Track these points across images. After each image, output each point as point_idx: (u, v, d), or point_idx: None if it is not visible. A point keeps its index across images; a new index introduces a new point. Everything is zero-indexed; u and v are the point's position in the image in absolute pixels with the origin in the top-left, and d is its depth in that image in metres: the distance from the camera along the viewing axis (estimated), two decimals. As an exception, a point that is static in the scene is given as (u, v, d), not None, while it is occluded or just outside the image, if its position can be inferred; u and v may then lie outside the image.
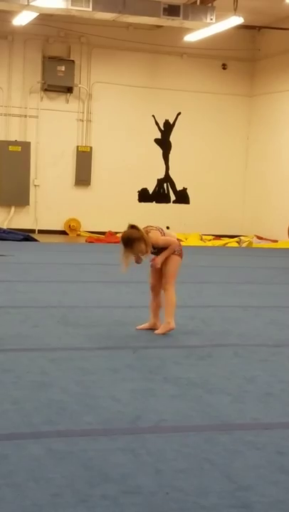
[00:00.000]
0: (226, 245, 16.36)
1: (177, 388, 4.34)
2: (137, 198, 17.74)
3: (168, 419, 3.78)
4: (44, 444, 3.32)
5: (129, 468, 3.10)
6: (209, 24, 14.14)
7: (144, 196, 17.87)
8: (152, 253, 5.98)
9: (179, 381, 4.50)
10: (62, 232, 17.37)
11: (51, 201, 17.29)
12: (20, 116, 17.14)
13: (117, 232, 16.87)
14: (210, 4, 13.95)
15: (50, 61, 16.90)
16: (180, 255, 6.07)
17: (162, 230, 6.10)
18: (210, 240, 16.86)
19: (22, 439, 3.39)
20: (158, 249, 5.99)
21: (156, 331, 6.01)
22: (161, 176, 18.22)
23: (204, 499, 2.82)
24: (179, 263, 6.08)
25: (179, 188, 18.37)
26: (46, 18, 15.53)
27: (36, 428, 3.54)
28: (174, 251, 6.01)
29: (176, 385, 4.42)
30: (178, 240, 6.19)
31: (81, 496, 2.79)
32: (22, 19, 14.81)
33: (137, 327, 6.11)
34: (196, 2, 13.93)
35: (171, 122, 18.18)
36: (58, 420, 3.68)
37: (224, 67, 18.31)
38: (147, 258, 5.99)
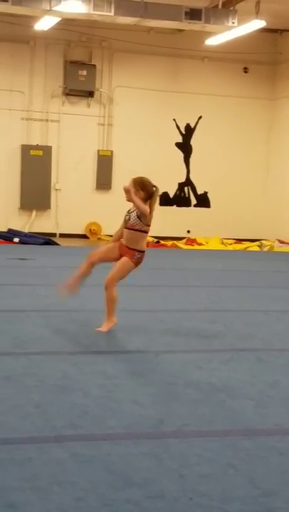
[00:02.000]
0: (247, 249, 16.29)
1: (199, 393, 4.33)
2: (157, 201, 17.71)
3: (191, 423, 3.77)
4: (67, 448, 3.33)
5: (152, 472, 3.09)
6: (231, 28, 14.11)
7: (165, 200, 17.86)
8: (130, 225, 5.89)
9: (201, 386, 4.49)
10: (83, 236, 17.41)
11: (72, 205, 17.35)
12: (41, 120, 17.22)
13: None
14: (232, 8, 13.93)
15: (71, 65, 16.98)
16: (136, 262, 5.97)
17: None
18: (231, 244, 16.80)
19: (45, 442, 3.40)
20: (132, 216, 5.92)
21: (98, 328, 5.97)
22: (182, 179, 18.21)
23: (228, 505, 2.81)
24: (130, 268, 5.98)
25: (200, 191, 18.34)
26: (68, 23, 15.60)
27: (59, 432, 3.55)
28: (133, 256, 5.92)
29: (199, 389, 4.41)
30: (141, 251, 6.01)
31: (105, 500, 2.79)
32: (44, 24, 14.89)
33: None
34: (217, 6, 13.91)
35: (192, 126, 18.16)
36: (80, 424, 3.68)
37: (246, 70, 18.27)
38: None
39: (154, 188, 5.94)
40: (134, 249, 5.96)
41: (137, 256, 5.96)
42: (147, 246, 17.46)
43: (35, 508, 2.70)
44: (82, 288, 8.66)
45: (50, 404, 3.97)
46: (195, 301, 8.08)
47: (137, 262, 6.00)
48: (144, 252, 6.04)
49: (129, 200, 5.91)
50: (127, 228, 5.99)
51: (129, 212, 6.01)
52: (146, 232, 5.99)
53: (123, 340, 5.77)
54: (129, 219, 5.97)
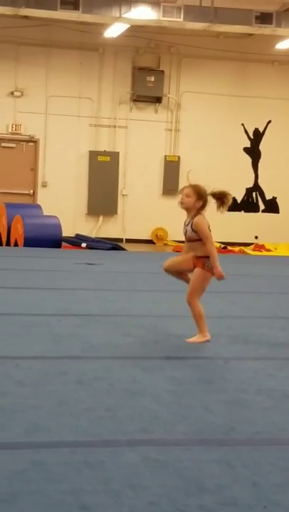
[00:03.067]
0: (316, 256, 16.02)
1: (271, 400, 4.27)
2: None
3: (263, 431, 3.72)
4: (139, 452, 3.33)
5: (225, 479, 3.06)
6: (301, 31, 13.96)
7: (232, 205, 17.69)
8: (188, 237, 5.79)
9: (272, 393, 4.42)
10: (150, 242, 17.47)
11: (139, 210, 17.44)
12: (109, 126, 17.40)
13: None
14: (302, 11, 13.78)
15: (139, 72, 17.10)
16: (210, 270, 5.72)
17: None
18: (300, 250, 16.57)
19: (117, 446, 3.41)
20: (191, 239, 5.78)
21: (187, 339, 5.80)
22: (250, 185, 18.07)
23: (303, 515, 2.76)
24: (208, 279, 5.77)
25: (268, 197, 18.16)
26: (136, 30, 15.72)
27: (131, 436, 3.56)
28: (205, 265, 5.72)
29: (270, 397, 4.35)
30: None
31: (178, 506, 2.78)
32: (113, 31, 15.06)
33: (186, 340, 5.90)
34: (288, 9, 13.79)
35: (261, 131, 18.01)
36: (151, 429, 3.68)
37: (316, 74, 18.02)
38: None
39: (207, 196, 5.80)
40: (202, 257, 5.78)
41: (208, 263, 5.75)
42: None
43: (109, 510, 2.71)
44: (150, 293, 8.70)
45: (121, 409, 3.99)
46: (264, 307, 7.99)
47: (212, 269, 5.76)
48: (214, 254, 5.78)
49: (186, 208, 5.80)
50: (187, 241, 5.91)
51: (185, 224, 5.88)
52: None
53: (192, 347, 5.74)
54: (186, 232, 5.85)
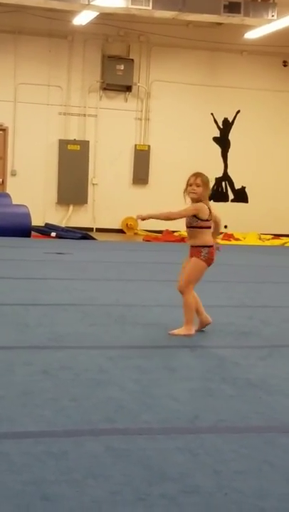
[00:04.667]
0: (285, 245, 16.15)
1: (236, 389, 4.30)
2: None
3: (226, 419, 3.75)
4: (103, 442, 3.33)
5: (187, 467, 3.08)
6: (270, 21, 14.00)
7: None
8: (188, 223, 5.77)
9: (237, 381, 4.46)
10: (120, 231, 17.45)
11: (109, 200, 17.40)
12: (79, 115, 17.30)
13: (174, 231, 16.87)
14: (271, 0, 13.79)
15: (109, 60, 17.01)
16: (206, 260, 5.73)
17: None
18: (269, 240, 16.68)
19: (81, 436, 3.41)
20: (192, 226, 5.75)
21: (170, 331, 5.75)
22: (220, 174, 18.12)
23: (263, 501, 2.79)
24: (203, 269, 5.75)
25: (237, 186, 18.24)
26: (106, 18, 15.63)
27: (95, 425, 3.56)
28: (201, 254, 5.74)
29: (235, 385, 4.38)
30: (212, 246, 5.79)
31: (140, 495, 2.79)
32: (82, 19, 14.95)
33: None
34: (256, -1, 13.82)
35: (230, 120, 18.06)
36: (116, 418, 3.68)
37: (285, 64, 18.09)
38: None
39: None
40: (199, 246, 5.75)
41: (205, 252, 5.71)
42: (183, 241, 17.34)
43: (71, 500, 2.71)
44: (119, 283, 8.71)
45: (86, 398, 3.99)
46: (232, 296, 8.04)
47: (208, 259, 5.73)
48: (211, 246, 5.77)
49: (196, 198, 5.74)
50: (186, 228, 5.85)
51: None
52: (206, 227, 5.77)
53: (159, 335, 5.76)
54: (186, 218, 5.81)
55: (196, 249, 5.77)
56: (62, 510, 2.64)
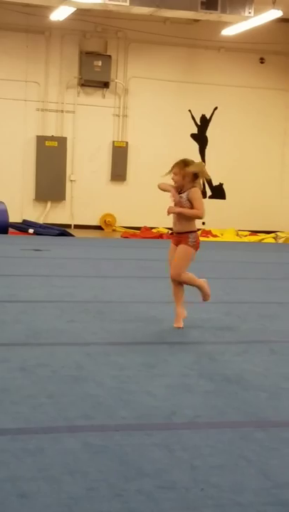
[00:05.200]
0: (263, 241, 16.24)
1: (213, 384, 4.33)
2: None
3: (203, 415, 3.76)
4: (80, 438, 3.34)
5: (164, 463, 3.09)
6: (247, 18, 14.03)
7: (180, 191, 17.84)
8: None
9: (214, 377, 4.48)
10: (98, 228, 17.42)
11: (87, 196, 17.36)
12: (56, 111, 17.22)
13: (152, 228, 16.87)
14: (248, -2, 13.84)
15: (87, 56, 16.94)
16: (194, 246, 5.82)
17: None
18: (246, 236, 16.76)
19: (58, 432, 3.41)
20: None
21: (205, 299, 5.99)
22: (197, 171, 18.14)
23: (240, 496, 2.81)
24: (191, 254, 5.84)
25: (215, 183, 18.28)
26: (83, 13, 15.57)
27: (72, 422, 3.56)
28: (188, 240, 5.80)
29: (212, 381, 4.40)
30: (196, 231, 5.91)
31: (116, 490, 2.80)
32: (59, 14, 14.88)
33: (175, 326, 5.97)
34: (234, -5, 13.84)
35: (208, 117, 18.09)
36: (93, 414, 3.69)
37: (262, 61, 18.15)
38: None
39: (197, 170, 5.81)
40: (186, 232, 5.81)
41: (192, 238, 5.80)
42: (161, 237, 17.36)
43: (48, 497, 2.71)
44: (97, 279, 8.70)
45: (63, 395, 3.98)
46: (210, 292, 8.05)
47: (195, 244, 5.82)
48: (196, 231, 5.88)
49: (178, 186, 5.81)
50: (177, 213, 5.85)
51: (179, 194, 5.86)
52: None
53: (137, 332, 5.77)
54: (179, 203, 5.81)
55: (183, 236, 5.83)
56: (39, 507, 2.64)
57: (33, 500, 2.68)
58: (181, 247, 5.82)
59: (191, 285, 5.97)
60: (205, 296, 6.08)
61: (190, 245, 5.80)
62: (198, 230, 5.85)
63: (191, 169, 5.79)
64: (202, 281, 6.02)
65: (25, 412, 3.66)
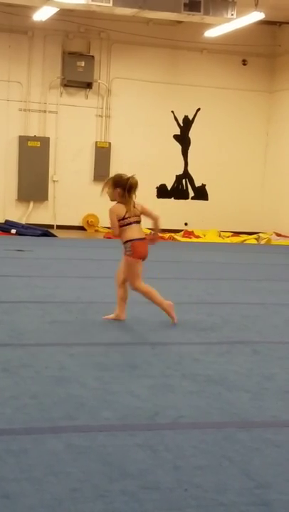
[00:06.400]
0: (245, 242, 16.30)
1: (196, 385, 4.34)
2: (155, 194, 17.73)
3: (186, 415, 3.78)
4: (63, 439, 3.33)
5: (147, 464, 3.10)
6: (230, 20, 14.08)
7: (162, 192, 17.86)
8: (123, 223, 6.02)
9: (197, 378, 4.49)
10: (81, 228, 17.40)
11: (70, 197, 17.33)
12: (39, 111, 17.18)
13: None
14: (231, 0, 13.88)
15: (69, 56, 16.92)
16: (134, 255, 5.98)
17: (134, 222, 6.01)
18: (228, 237, 16.81)
19: (41, 433, 3.40)
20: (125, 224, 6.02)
21: (172, 319, 6.09)
22: (180, 172, 18.19)
23: (223, 496, 2.82)
24: (133, 264, 6.01)
25: (197, 184, 18.33)
26: (66, 14, 15.54)
27: (55, 423, 3.56)
28: (126, 250, 6.02)
29: (195, 381, 4.41)
30: (137, 240, 6.01)
31: (100, 491, 2.80)
32: (42, 14, 14.85)
33: (104, 317, 6.21)
34: (216, -3, 13.88)
35: (191, 118, 18.13)
36: (76, 415, 3.68)
37: (244, 63, 18.23)
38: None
39: (128, 179, 5.98)
40: (123, 243, 6.08)
41: (127, 247, 6.02)
42: (144, 238, 17.19)
43: (31, 498, 2.71)
44: (79, 280, 8.69)
45: (46, 396, 3.98)
46: (192, 293, 8.08)
47: (133, 253, 5.99)
48: (132, 240, 6.00)
49: (112, 200, 6.08)
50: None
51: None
52: (125, 224, 6.01)
53: (120, 332, 5.77)
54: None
55: (123, 247, 6.12)
56: (22, 507, 2.63)
57: (16, 501, 2.68)
58: (123, 258, 6.12)
59: (149, 299, 6.14)
60: (171, 319, 6.15)
61: (128, 255, 6.03)
62: (139, 239, 6.03)
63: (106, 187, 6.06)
64: (165, 304, 6.14)
65: (8, 413, 3.65)
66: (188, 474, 3.01)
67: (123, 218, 6.00)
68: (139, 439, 3.38)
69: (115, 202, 6.07)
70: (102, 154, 17.48)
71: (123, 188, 5.95)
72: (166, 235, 16.07)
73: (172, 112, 17.93)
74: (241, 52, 17.92)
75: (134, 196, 6.03)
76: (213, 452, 3.27)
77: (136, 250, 6.00)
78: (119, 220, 5.99)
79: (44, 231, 15.06)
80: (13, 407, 3.75)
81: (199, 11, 13.40)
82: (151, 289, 6.11)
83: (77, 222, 17.44)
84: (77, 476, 2.93)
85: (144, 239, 6.07)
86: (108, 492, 2.79)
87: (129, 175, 6.07)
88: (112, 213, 6.02)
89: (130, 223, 6.01)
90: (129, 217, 6.01)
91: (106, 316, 6.24)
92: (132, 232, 6.01)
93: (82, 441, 3.32)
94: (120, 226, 6.01)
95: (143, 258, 6.05)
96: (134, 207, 6.04)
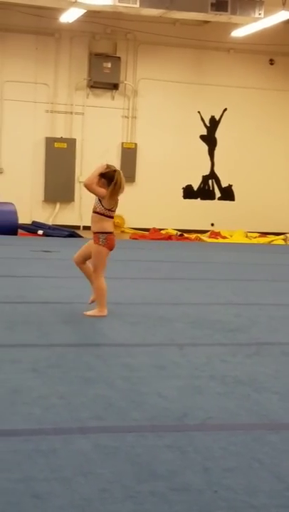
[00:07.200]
0: (272, 243, 16.20)
1: (224, 386, 4.32)
2: (181, 194, 17.68)
3: (215, 417, 3.75)
4: (92, 439, 3.33)
5: (176, 465, 3.08)
6: (257, 19, 14.02)
7: (188, 193, 17.81)
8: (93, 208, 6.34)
9: (225, 379, 4.47)
10: (107, 229, 17.41)
11: (96, 198, 17.34)
12: (66, 113, 17.24)
13: (161, 229, 16.86)
14: (258, -1, 13.83)
15: (96, 58, 16.96)
16: (106, 245, 6.23)
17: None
18: (255, 238, 16.71)
19: (70, 433, 3.41)
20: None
21: (85, 312, 6.27)
22: (207, 172, 18.13)
23: (253, 498, 2.80)
24: (104, 253, 6.26)
25: (224, 184, 18.26)
26: (93, 15, 15.58)
27: (84, 423, 3.56)
28: (99, 239, 6.21)
29: (223, 382, 4.39)
30: (112, 233, 6.32)
31: (129, 492, 2.79)
32: (69, 16, 14.91)
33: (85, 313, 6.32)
34: (243, -3, 13.83)
35: (217, 118, 18.07)
36: (105, 416, 3.68)
37: (271, 62, 18.13)
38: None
39: (115, 172, 6.20)
40: (98, 232, 6.27)
41: (102, 238, 6.24)
42: (170, 239, 17.32)
43: (60, 498, 2.71)
44: (107, 280, 8.69)
45: (74, 396, 3.98)
46: (219, 294, 8.05)
47: (107, 245, 6.25)
48: (110, 233, 6.28)
49: (89, 190, 6.32)
50: (92, 212, 6.39)
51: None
52: (109, 216, 6.30)
53: (147, 333, 5.76)
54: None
55: (95, 236, 6.32)
56: (52, 507, 2.63)
57: (46, 501, 2.68)
58: (94, 246, 6.32)
59: (96, 293, 6.35)
60: (91, 312, 6.29)
61: (101, 244, 6.26)
62: (112, 233, 6.34)
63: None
64: (104, 309, 6.31)
65: (37, 413, 3.66)
66: (218, 476, 2.99)
67: (109, 210, 6.27)
68: (168, 440, 3.37)
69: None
70: (129, 155, 17.49)
71: (108, 179, 6.19)
72: (193, 236, 16.04)
73: (199, 112, 17.89)
74: (268, 51, 17.81)
75: (119, 192, 6.22)
76: (243, 454, 3.24)
77: (110, 243, 6.27)
78: (106, 209, 6.22)
79: (70, 232, 15.10)
80: (42, 407, 3.76)
81: (226, 11, 13.36)
82: (105, 289, 6.31)
83: (103, 223, 17.45)
84: (107, 477, 2.92)
85: (112, 233, 6.37)
86: (137, 493, 2.78)
87: (116, 168, 6.30)
88: (104, 193, 6.18)
89: (110, 217, 6.28)
90: (114, 211, 6.30)
91: (87, 313, 6.31)
92: (110, 226, 6.32)
93: (110, 441, 3.32)
94: (102, 214, 6.24)
95: (112, 249, 6.36)
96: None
